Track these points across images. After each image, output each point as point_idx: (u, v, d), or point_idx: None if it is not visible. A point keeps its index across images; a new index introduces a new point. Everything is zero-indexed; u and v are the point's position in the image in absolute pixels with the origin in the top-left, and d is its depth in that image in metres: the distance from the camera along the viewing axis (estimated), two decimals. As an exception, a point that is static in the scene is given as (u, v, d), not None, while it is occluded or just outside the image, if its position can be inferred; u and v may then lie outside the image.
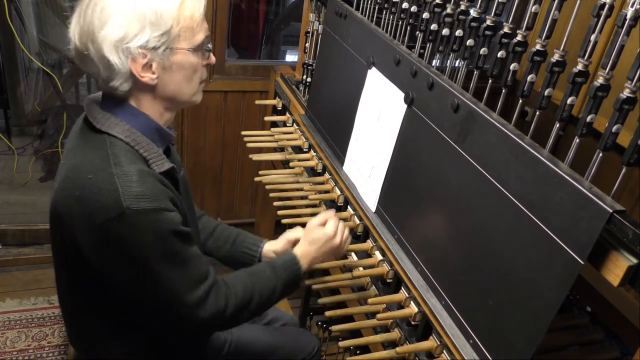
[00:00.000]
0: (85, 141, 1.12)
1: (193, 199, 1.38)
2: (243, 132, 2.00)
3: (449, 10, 1.35)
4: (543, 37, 1.07)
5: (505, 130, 1.04)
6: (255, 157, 1.91)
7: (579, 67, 0.99)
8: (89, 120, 1.12)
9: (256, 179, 1.80)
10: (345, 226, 1.38)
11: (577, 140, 1.01)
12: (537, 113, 1.09)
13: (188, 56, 1.11)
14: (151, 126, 1.15)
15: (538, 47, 1.07)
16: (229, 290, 1.18)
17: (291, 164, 1.84)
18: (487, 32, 1.21)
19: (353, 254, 1.50)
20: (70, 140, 1.19)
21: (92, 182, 1.03)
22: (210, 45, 1.17)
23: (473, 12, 1.26)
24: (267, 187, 1.77)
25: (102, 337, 1.25)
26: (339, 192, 1.65)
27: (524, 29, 1.12)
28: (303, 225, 1.67)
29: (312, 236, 1.33)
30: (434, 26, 1.41)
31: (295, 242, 1.42)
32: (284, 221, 1.67)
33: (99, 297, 1.20)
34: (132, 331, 1.25)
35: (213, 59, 1.20)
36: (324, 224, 1.35)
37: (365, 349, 1.35)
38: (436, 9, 1.39)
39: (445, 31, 1.37)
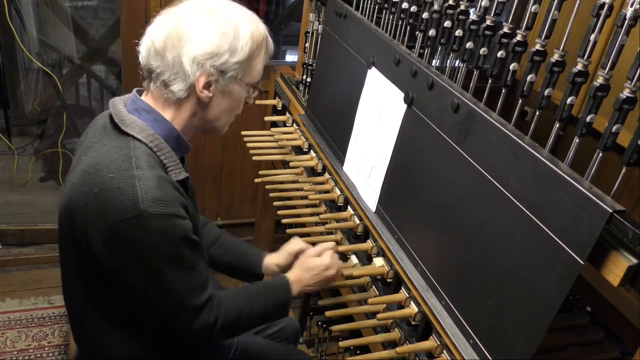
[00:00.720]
0: (108, 140, 1.14)
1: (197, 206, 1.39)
2: (243, 132, 2.01)
3: (451, 2, 1.34)
4: (543, 37, 1.07)
5: (505, 130, 1.04)
6: (256, 157, 1.90)
7: (579, 67, 0.99)
8: (113, 120, 1.15)
9: (256, 180, 1.80)
10: (340, 261, 1.41)
11: (577, 140, 1.01)
12: (537, 113, 1.09)
13: (242, 89, 1.19)
14: (173, 134, 1.18)
15: (538, 47, 1.07)
16: (221, 308, 1.21)
17: (291, 164, 1.84)
18: (487, 32, 1.21)
19: (353, 256, 1.50)
20: (89, 137, 1.20)
21: (112, 181, 1.06)
22: (262, 87, 1.24)
23: (473, 15, 1.25)
24: (267, 187, 1.77)
25: (105, 336, 1.26)
26: (339, 192, 1.65)
27: (523, 28, 1.12)
28: (303, 225, 1.67)
29: (308, 264, 1.36)
30: (433, 27, 1.41)
31: (296, 254, 1.44)
32: (284, 221, 1.67)
33: (104, 294, 1.20)
34: (135, 331, 1.26)
35: (252, 100, 1.27)
36: (320, 254, 1.38)
37: (365, 349, 1.35)
38: (436, 8, 1.39)
39: (447, 23, 1.36)
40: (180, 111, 1.17)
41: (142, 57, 1.14)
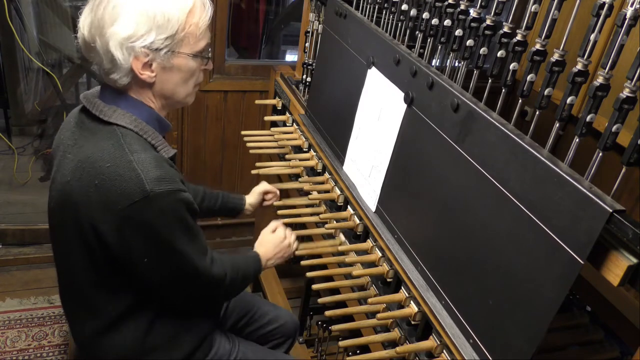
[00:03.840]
0: (91, 134, 1.16)
1: None
2: (243, 132, 2.01)
3: (450, 1, 1.35)
4: (543, 37, 1.07)
5: (505, 130, 1.04)
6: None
7: (579, 66, 0.99)
8: (90, 113, 1.16)
9: (253, 171, 1.83)
10: (292, 232, 1.58)
11: (577, 140, 1.01)
12: (537, 113, 1.09)
13: (188, 60, 1.17)
14: (153, 116, 1.21)
15: (538, 46, 1.07)
16: (222, 263, 1.31)
17: (291, 163, 1.84)
18: (487, 32, 1.21)
19: (353, 253, 1.50)
20: (67, 137, 1.22)
21: (110, 170, 1.08)
22: (210, 54, 1.24)
23: (473, 12, 1.25)
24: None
25: (110, 327, 1.27)
26: (338, 192, 1.65)
27: (523, 28, 1.12)
28: (303, 225, 1.67)
29: (266, 239, 1.53)
30: (434, 21, 1.41)
31: (265, 193, 1.78)
32: (283, 221, 1.67)
33: (116, 284, 1.22)
34: (143, 319, 1.28)
35: (211, 65, 1.27)
36: (273, 230, 1.56)
37: (365, 348, 1.35)
38: (437, 3, 1.39)
39: (447, 22, 1.36)
40: (140, 95, 1.18)
41: (82, 51, 1.16)
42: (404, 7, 1.50)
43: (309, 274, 1.43)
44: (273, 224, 1.58)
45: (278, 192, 1.82)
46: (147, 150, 1.13)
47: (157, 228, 1.10)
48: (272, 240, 1.52)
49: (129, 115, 1.15)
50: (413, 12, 1.49)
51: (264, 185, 1.79)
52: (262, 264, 1.48)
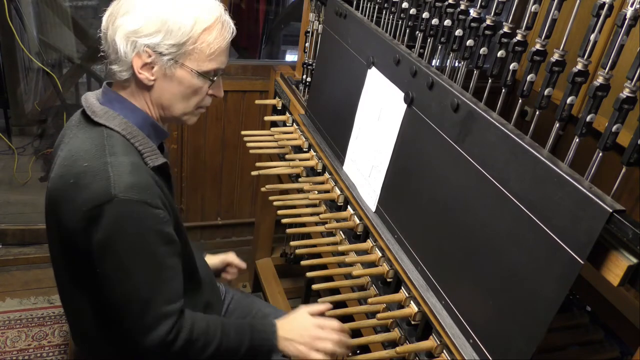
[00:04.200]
0: (82, 133, 1.15)
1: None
2: (243, 132, 2.01)
3: (451, 1, 1.35)
4: (543, 37, 1.07)
5: (505, 130, 1.04)
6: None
7: (579, 66, 0.99)
8: (86, 114, 1.16)
9: (253, 172, 1.81)
10: (341, 330, 1.29)
11: (577, 140, 1.01)
12: (537, 113, 1.09)
13: (192, 77, 1.14)
14: (147, 121, 1.18)
15: (538, 46, 1.07)
16: (193, 330, 1.16)
17: (291, 163, 1.84)
18: (487, 32, 1.21)
19: (353, 253, 1.50)
20: (66, 135, 1.22)
21: (87, 170, 1.06)
22: (216, 78, 1.19)
23: (473, 12, 1.26)
24: (267, 187, 1.77)
25: (98, 331, 1.25)
26: (339, 192, 1.65)
27: (523, 28, 1.12)
28: (303, 224, 1.67)
29: (299, 316, 1.30)
30: (434, 21, 1.41)
31: (229, 264, 1.59)
32: (284, 221, 1.67)
33: (94, 288, 1.19)
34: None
35: (220, 92, 1.22)
36: (313, 314, 1.30)
37: (365, 348, 1.35)
38: (437, 3, 1.39)
39: (447, 22, 1.36)
40: (139, 97, 1.17)
41: (102, 39, 1.16)
42: (405, 5, 1.51)
43: (309, 274, 1.42)
44: (318, 306, 1.29)
45: (243, 267, 1.63)
46: (129, 155, 1.09)
47: (113, 237, 1.04)
48: (305, 322, 1.27)
49: (120, 118, 1.14)
50: (412, 11, 1.49)
51: (231, 256, 1.62)
52: (276, 344, 1.25)
